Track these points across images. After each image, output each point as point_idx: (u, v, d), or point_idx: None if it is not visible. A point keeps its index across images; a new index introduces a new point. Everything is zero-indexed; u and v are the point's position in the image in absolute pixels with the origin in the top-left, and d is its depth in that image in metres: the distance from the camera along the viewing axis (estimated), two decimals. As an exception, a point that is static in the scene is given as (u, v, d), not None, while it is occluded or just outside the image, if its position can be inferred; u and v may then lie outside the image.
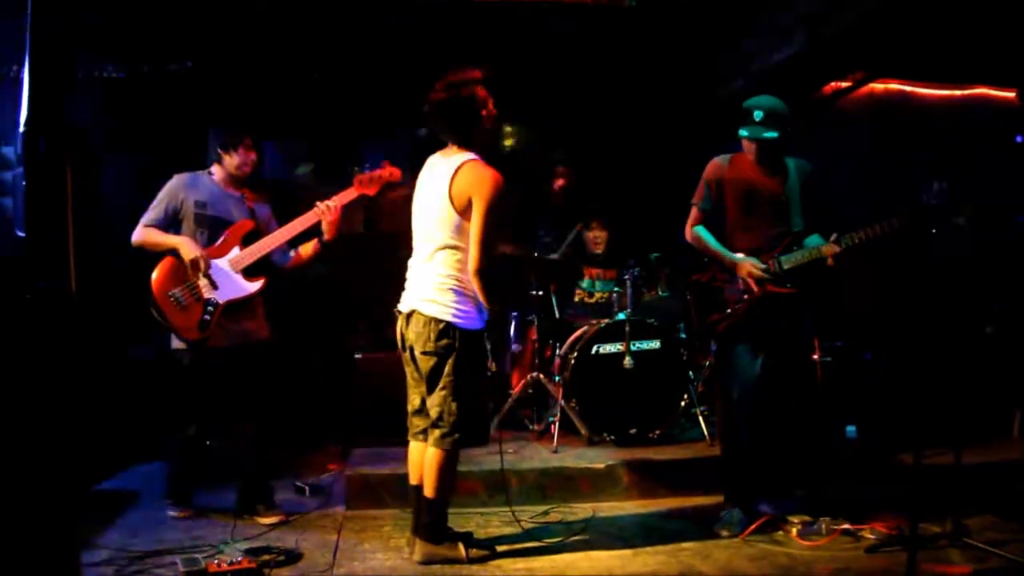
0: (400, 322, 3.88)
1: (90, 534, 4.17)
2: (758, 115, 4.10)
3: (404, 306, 3.86)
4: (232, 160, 4.47)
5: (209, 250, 4.35)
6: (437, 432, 3.75)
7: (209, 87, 6.10)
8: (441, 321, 3.68)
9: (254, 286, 4.42)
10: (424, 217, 3.83)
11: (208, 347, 4.32)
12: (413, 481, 3.92)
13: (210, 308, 4.29)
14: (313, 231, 4.50)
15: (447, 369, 3.71)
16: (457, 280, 3.71)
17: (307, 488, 5.02)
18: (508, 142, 7.37)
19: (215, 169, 4.52)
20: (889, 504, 4.29)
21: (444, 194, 3.69)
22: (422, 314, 3.72)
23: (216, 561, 3.53)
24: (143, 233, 4.35)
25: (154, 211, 4.37)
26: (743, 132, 4.15)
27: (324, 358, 6.50)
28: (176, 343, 4.36)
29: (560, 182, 6.50)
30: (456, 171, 3.68)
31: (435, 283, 3.72)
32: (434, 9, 5.73)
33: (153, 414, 5.43)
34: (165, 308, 4.25)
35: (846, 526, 4.08)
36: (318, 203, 4.44)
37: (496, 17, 5.88)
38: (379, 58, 6.25)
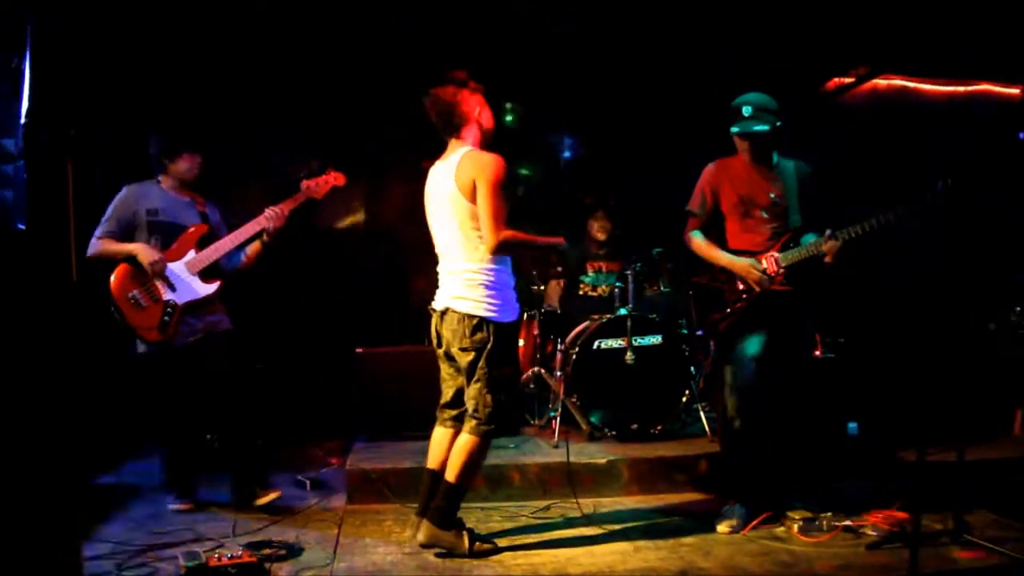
0: (435, 320, 3.94)
1: (92, 527, 4.17)
2: (747, 110, 4.14)
3: (438, 304, 3.91)
4: (178, 167, 4.58)
5: (165, 254, 4.43)
6: (473, 423, 3.81)
7: (210, 82, 6.09)
8: (475, 316, 3.75)
9: (211, 287, 4.51)
10: (439, 219, 3.90)
11: (175, 347, 4.41)
12: (431, 465, 3.97)
13: (169, 310, 4.38)
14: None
15: (482, 362, 3.77)
16: (485, 273, 3.77)
17: (308, 482, 5.01)
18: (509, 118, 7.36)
19: (163, 178, 4.61)
20: (890, 501, 4.29)
21: (451, 187, 3.75)
22: (456, 311, 3.79)
23: (217, 555, 3.52)
24: (98, 245, 4.42)
25: (108, 223, 4.45)
26: (734, 129, 4.19)
27: (325, 352, 6.50)
28: (140, 347, 4.44)
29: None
30: (458, 163, 3.77)
31: (464, 279, 3.78)
32: (435, 7, 5.72)
33: (154, 408, 5.44)
34: (125, 310, 4.33)
35: (847, 523, 4.07)
36: (268, 208, 4.57)
37: (496, 17, 5.88)
38: (379, 53, 6.25)
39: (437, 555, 3.81)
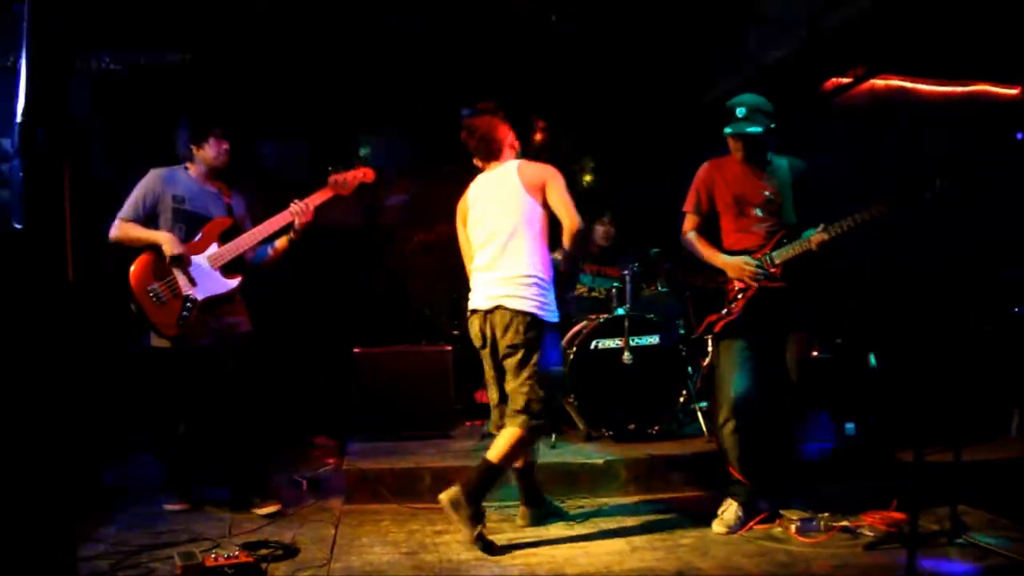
0: (478, 320, 4.08)
1: (87, 527, 4.15)
2: (741, 111, 4.14)
3: (483, 304, 4.04)
4: (206, 153, 4.48)
5: (187, 246, 4.34)
6: (523, 418, 3.94)
7: (207, 81, 6.08)
8: (528, 314, 3.93)
9: (232, 283, 4.43)
10: (493, 220, 4.08)
11: (192, 343, 4.32)
12: (516, 464, 4.16)
13: (188, 304, 4.28)
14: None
15: (533, 359, 3.95)
16: (537, 275, 3.99)
17: (305, 482, 5.01)
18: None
19: (190, 165, 4.51)
20: (887, 502, 4.29)
21: (516, 188, 4.02)
22: (509, 309, 3.95)
23: (213, 555, 3.51)
24: (122, 228, 4.32)
25: (131, 206, 4.34)
26: (727, 130, 4.19)
27: (322, 352, 6.50)
28: (157, 341, 4.34)
29: None
30: (518, 168, 4.07)
31: (518, 279, 3.97)
32: (434, 7, 5.71)
33: (158, 405, 5.42)
34: (144, 304, 4.24)
35: (845, 523, 4.08)
36: (293, 202, 4.49)
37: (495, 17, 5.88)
38: (379, 53, 6.24)
39: (433, 555, 3.81)
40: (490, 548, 3.87)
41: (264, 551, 3.75)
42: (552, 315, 4.03)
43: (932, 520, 3.99)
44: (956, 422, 4.35)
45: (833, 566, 3.67)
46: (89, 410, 4.94)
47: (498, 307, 3.98)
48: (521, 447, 4.00)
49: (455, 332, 6.46)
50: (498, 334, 4.00)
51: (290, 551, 3.84)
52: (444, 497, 3.87)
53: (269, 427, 4.70)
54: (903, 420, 5.31)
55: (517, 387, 3.98)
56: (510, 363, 4.00)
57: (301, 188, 4.65)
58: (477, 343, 4.15)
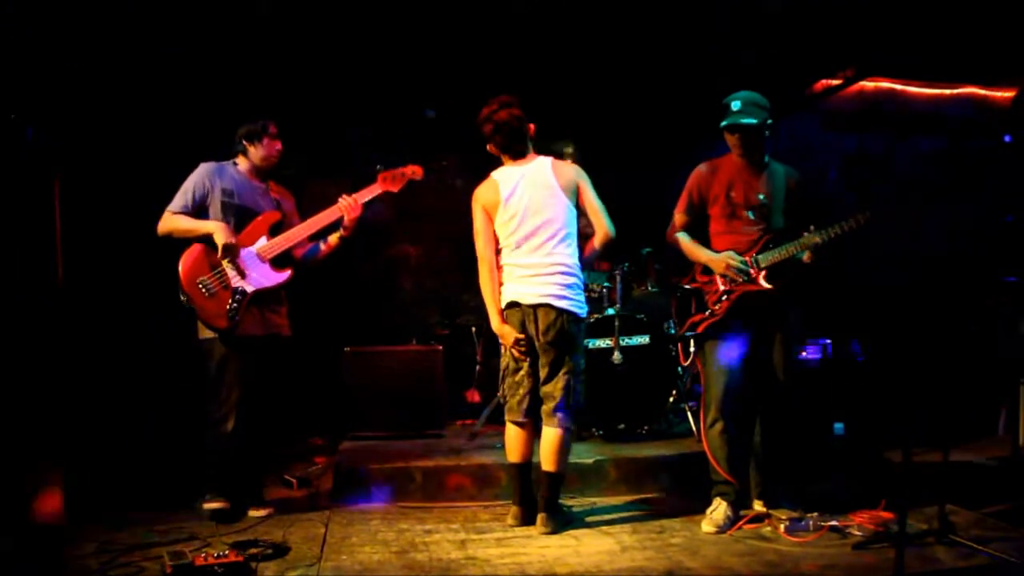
0: (518, 316, 4.15)
1: (76, 526, 4.14)
2: (736, 105, 4.16)
3: (528, 299, 4.10)
4: (257, 152, 4.46)
5: (237, 237, 4.30)
6: (559, 416, 4.11)
7: (199, 79, 6.06)
8: (572, 312, 4.09)
9: (282, 276, 4.39)
10: (535, 216, 4.12)
11: (240, 335, 4.27)
12: (518, 459, 4.27)
13: (238, 296, 4.25)
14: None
15: (574, 356, 4.12)
16: (576, 274, 4.15)
17: (295, 481, 5.01)
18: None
19: (240, 160, 4.49)
20: (876, 501, 4.31)
21: (553, 187, 4.13)
22: (554, 308, 4.06)
23: (203, 554, 3.50)
24: (171, 220, 4.29)
25: (181, 198, 4.31)
26: (723, 123, 4.20)
27: (313, 350, 6.48)
28: (205, 333, 4.28)
29: None
30: (551, 167, 4.18)
31: (561, 279, 4.10)
32: (435, 7, 5.69)
33: (141, 405, 5.40)
34: (194, 296, 4.20)
35: (833, 523, 4.09)
36: (342, 197, 4.47)
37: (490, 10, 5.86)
38: (375, 45, 6.22)
39: (423, 554, 3.81)
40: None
41: (254, 550, 3.74)
42: (585, 312, 4.19)
43: (920, 519, 4.02)
44: (944, 422, 4.37)
45: (822, 566, 3.68)
46: (81, 408, 4.93)
47: (543, 305, 4.07)
48: (567, 444, 4.16)
49: (446, 331, 6.47)
50: (540, 329, 4.08)
51: (280, 550, 3.84)
52: (538, 527, 4.12)
53: (267, 431, 4.67)
54: (891, 420, 5.33)
55: (555, 383, 4.12)
56: (550, 360, 4.11)
57: (296, 185, 4.63)
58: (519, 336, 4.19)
